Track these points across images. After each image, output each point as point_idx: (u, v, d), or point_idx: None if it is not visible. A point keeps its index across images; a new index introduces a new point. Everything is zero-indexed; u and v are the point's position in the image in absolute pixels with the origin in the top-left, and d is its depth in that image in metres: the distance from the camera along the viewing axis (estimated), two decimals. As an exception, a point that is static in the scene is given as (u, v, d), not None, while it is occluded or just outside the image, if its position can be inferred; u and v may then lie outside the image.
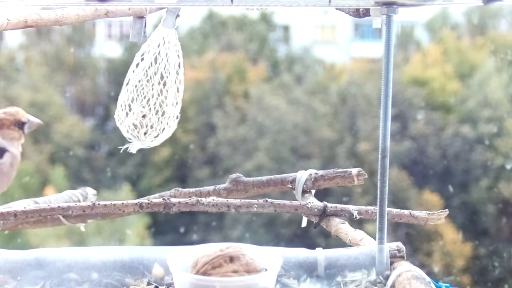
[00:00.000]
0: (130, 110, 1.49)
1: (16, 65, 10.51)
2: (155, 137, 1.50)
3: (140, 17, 1.47)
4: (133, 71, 1.50)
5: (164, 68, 1.48)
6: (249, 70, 10.65)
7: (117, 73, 10.71)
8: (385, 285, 1.18)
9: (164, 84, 1.49)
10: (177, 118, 1.52)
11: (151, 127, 1.49)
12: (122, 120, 1.49)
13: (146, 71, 1.49)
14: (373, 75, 9.99)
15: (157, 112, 1.49)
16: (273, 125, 10.04)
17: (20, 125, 1.76)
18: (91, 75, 10.87)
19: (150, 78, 1.48)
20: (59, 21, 1.34)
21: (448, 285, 1.20)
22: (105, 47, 10.93)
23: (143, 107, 1.49)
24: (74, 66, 10.65)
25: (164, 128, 1.50)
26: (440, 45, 10.59)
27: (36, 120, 1.78)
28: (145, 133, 1.49)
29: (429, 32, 10.95)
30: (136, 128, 1.48)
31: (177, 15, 1.47)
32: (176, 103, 1.51)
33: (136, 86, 1.49)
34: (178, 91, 1.50)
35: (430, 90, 10.09)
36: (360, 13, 1.33)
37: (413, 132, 9.68)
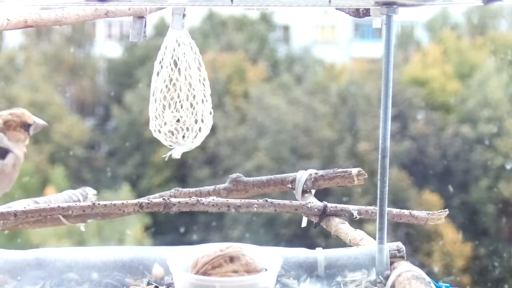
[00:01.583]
0: (163, 118, 1.49)
1: (16, 65, 10.51)
2: (194, 138, 1.51)
3: (140, 17, 1.47)
4: (155, 81, 1.50)
5: (186, 70, 1.49)
6: (249, 70, 10.65)
7: (117, 73, 10.72)
8: (385, 285, 1.18)
9: (190, 84, 1.49)
10: (210, 113, 1.52)
11: (187, 129, 1.49)
12: (158, 129, 1.50)
13: (169, 76, 1.49)
14: (373, 75, 10.00)
15: (190, 114, 1.49)
16: (273, 125, 10.05)
17: (26, 127, 1.76)
18: (91, 75, 10.87)
19: (175, 82, 1.49)
20: (59, 21, 1.34)
21: (448, 285, 1.20)
22: (105, 47, 10.93)
23: (176, 111, 1.49)
24: (74, 66, 10.65)
25: (200, 127, 1.50)
26: (440, 45, 10.59)
27: (42, 122, 1.78)
28: (183, 137, 1.49)
29: (429, 32, 10.95)
30: (173, 135, 1.49)
31: (184, 15, 1.46)
32: (206, 100, 1.51)
33: (162, 94, 1.49)
34: (204, 87, 1.51)
35: (430, 90, 10.09)
36: (360, 13, 1.33)
37: (413, 132, 9.68)
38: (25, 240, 7.60)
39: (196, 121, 1.49)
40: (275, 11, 10.78)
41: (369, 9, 1.26)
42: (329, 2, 1.13)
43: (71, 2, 1.30)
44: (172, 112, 1.49)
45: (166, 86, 1.49)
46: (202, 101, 1.50)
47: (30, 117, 1.76)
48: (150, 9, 1.49)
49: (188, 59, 1.49)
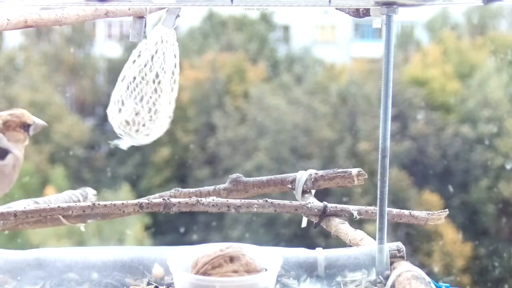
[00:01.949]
0: (123, 106, 1.48)
1: (16, 65, 10.51)
2: (146, 135, 1.50)
3: (140, 17, 1.47)
4: (129, 68, 1.49)
5: (160, 67, 1.48)
6: (249, 70, 10.65)
7: (117, 73, 10.61)
8: (385, 285, 1.18)
9: (159, 83, 1.48)
10: (169, 118, 1.51)
11: (143, 125, 1.48)
12: (115, 115, 1.49)
13: (142, 68, 1.48)
14: (373, 75, 10.00)
15: (150, 110, 1.48)
16: (273, 125, 10.05)
17: (26, 127, 1.76)
18: (91, 75, 10.87)
19: (145, 75, 1.48)
20: (59, 21, 1.34)
21: (448, 285, 1.20)
22: (105, 47, 10.93)
23: (137, 104, 1.48)
24: (74, 66, 10.65)
25: (156, 127, 1.50)
26: (440, 45, 10.59)
27: (41, 122, 1.78)
28: (136, 131, 1.48)
29: (429, 32, 10.95)
30: (128, 125, 1.48)
31: (177, 15, 1.47)
32: (170, 103, 1.50)
33: (130, 83, 1.48)
34: (172, 91, 1.50)
35: (430, 90, 10.09)
36: (360, 13, 1.33)
37: (413, 132, 9.68)
38: (25, 240, 7.60)
39: (153, 121, 1.49)
40: (275, 11, 10.78)
41: (369, 9, 1.26)
42: (329, 2, 1.13)
43: (71, 2, 1.30)
44: (134, 103, 1.48)
45: (136, 77, 1.48)
46: (166, 103, 1.49)
47: (30, 118, 1.76)
48: (150, 9, 1.49)
49: (166, 59, 1.48)
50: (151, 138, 1.51)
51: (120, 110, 1.48)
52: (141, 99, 1.48)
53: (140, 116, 1.48)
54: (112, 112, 1.49)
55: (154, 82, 1.48)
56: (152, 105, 1.48)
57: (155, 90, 1.48)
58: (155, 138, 1.51)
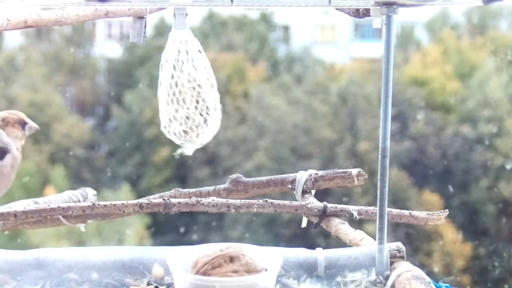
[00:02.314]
0: (174, 119, 1.49)
1: (16, 65, 10.51)
2: (206, 135, 1.51)
3: (140, 17, 1.47)
4: (163, 82, 1.50)
5: (192, 67, 1.49)
6: (249, 70, 10.65)
7: (117, 73, 10.72)
8: (385, 285, 1.18)
9: (196, 82, 1.49)
10: (219, 109, 1.52)
11: (197, 126, 1.49)
12: (170, 130, 1.50)
13: (174, 76, 1.49)
14: (373, 75, 9.99)
15: (199, 110, 1.49)
16: (273, 125, 10.04)
17: (23, 124, 1.78)
18: (91, 75, 10.87)
19: (180, 80, 1.49)
20: (59, 21, 1.34)
21: (448, 285, 1.20)
22: (105, 47, 10.93)
23: (186, 110, 1.49)
24: (74, 66, 10.65)
25: (210, 123, 1.51)
26: (440, 45, 10.59)
27: (35, 125, 1.81)
28: (197, 135, 1.49)
29: (429, 32, 10.95)
30: (187, 134, 1.49)
31: (186, 14, 1.47)
32: (214, 96, 1.51)
33: (170, 95, 1.49)
34: (212, 85, 1.51)
35: (430, 90, 10.09)
36: (360, 13, 1.33)
37: (413, 132, 9.68)
38: (25, 240, 7.60)
39: (205, 120, 1.49)
40: (275, 11, 10.78)
41: (369, 9, 1.26)
42: (329, 2, 1.13)
43: (71, 2, 1.30)
44: (182, 110, 1.49)
45: (172, 87, 1.49)
46: (209, 97, 1.50)
47: (26, 118, 1.79)
48: (150, 9, 1.49)
49: (193, 57, 1.49)
50: (211, 134, 1.52)
51: (172, 123, 1.49)
52: (187, 104, 1.49)
53: (193, 120, 1.48)
54: (167, 128, 1.50)
55: (190, 83, 1.48)
56: (199, 106, 1.49)
57: (195, 89, 1.48)
58: (214, 133, 1.52)
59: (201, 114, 1.49)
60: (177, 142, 1.52)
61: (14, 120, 1.77)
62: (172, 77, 1.49)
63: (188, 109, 1.48)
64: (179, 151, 1.53)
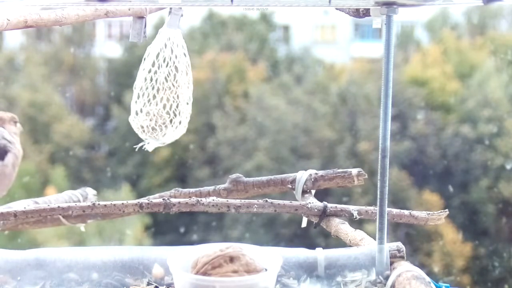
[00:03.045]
0: (143, 112, 1.49)
1: (16, 65, 10.51)
2: (170, 135, 1.51)
3: (140, 17, 1.47)
4: (141, 75, 1.50)
5: (173, 66, 1.49)
6: (249, 70, 10.65)
7: (117, 73, 10.72)
8: (385, 285, 1.18)
9: (174, 82, 1.49)
10: (189, 114, 1.52)
11: (165, 126, 1.49)
12: (137, 122, 1.50)
13: (155, 72, 1.49)
14: (373, 75, 10.00)
15: (169, 110, 1.49)
16: (273, 125, 10.05)
17: (15, 122, 1.81)
18: (91, 75, 10.87)
19: (158, 78, 1.49)
20: (59, 21, 1.34)
21: (448, 285, 1.20)
22: (105, 47, 10.93)
23: (156, 106, 1.49)
24: (74, 66, 10.65)
25: (177, 126, 1.51)
26: (440, 45, 10.59)
27: (20, 127, 1.84)
28: (163, 135, 1.49)
29: (429, 32, 10.95)
30: (153, 130, 1.49)
31: (181, 15, 1.47)
32: (188, 100, 1.51)
33: (146, 89, 1.49)
34: (188, 88, 1.51)
35: (430, 90, 10.09)
36: (360, 13, 1.33)
37: (413, 132, 9.68)
38: (25, 240, 7.60)
39: (172, 121, 1.49)
40: (275, 11, 10.78)
41: (369, 9, 1.26)
42: (329, 2, 1.13)
43: (71, 2, 1.30)
44: (153, 106, 1.49)
45: (149, 81, 1.49)
46: (183, 100, 1.50)
47: (15, 117, 1.82)
48: (150, 9, 1.49)
49: (177, 59, 1.49)
50: (174, 137, 1.52)
51: (140, 116, 1.49)
52: (159, 102, 1.49)
53: (162, 118, 1.48)
54: (134, 121, 1.50)
55: (168, 82, 1.48)
56: (170, 105, 1.49)
57: (171, 90, 1.48)
58: (178, 137, 1.52)
59: (170, 115, 1.49)
60: (141, 136, 1.52)
61: (9, 118, 1.79)
62: (150, 71, 1.49)
63: (157, 105, 1.49)
64: (140, 145, 1.53)
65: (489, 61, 10.14)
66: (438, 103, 10.02)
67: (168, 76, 1.48)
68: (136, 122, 1.50)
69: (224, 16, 10.95)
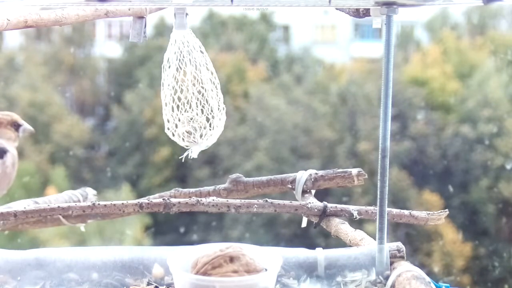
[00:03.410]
0: (178, 120, 1.48)
1: (16, 65, 10.51)
2: (210, 136, 1.50)
3: (140, 17, 1.47)
4: (166, 84, 1.49)
5: (194, 68, 1.48)
6: (248, 70, 10.65)
7: (117, 73, 10.72)
8: (385, 285, 1.18)
9: (198, 83, 1.48)
10: (223, 109, 1.51)
11: (204, 127, 1.49)
12: (174, 132, 1.49)
13: (177, 78, 1.48)
14: (373, 75, 9.99)
15: (202, 111, 1.48)
16: (273, 125, 10.04)
17: (16, 126, 1.78)
18: (91, 75, 10.87)
19: (183, 82, 1.48)
20: (59, 21, 1.34)
21: (448, 285, 1.20)
22: (105, 47, 10.92)
23: (190, 111, 1.48)
24: (74, 66, 10.65)
25: (215, 124, 1.50)
26: (440, 45, 10.59)
27: (29, 127, 1.81)
28: (201, 136, 1.49)
29: (429, 32, 10.95)
30: (190, 134, 1.48)
31: (186, 14, 1.46)
32: (218, 96, 1.50)
33: (173, 95, 1.49)
34: (214, 84, 1.50)
35: (430, 90, 10.09)
36: (360, 13, 1.33)
37: (413, 132, 9.68)
38: (25, 240, 7.60)
39: (207, 119, 1.49)
40: (275, 11, 10.78)
41: (369, 9, 1.26)
42: (329, 2, 1.14)
43: (71, 2, 1.30)
44: (185, 111, 1.48)
45: (174, 87, 1.48)
46: (213, 97, 1.50)
47: (20, 119, 1.78)
48: (150, 9, 1.49)
49: (195, 57, 1.48)
50: (215, 136, 1.51)
51: (176, 125, 1.49)
52: (190, 105, 1.48)
53: (197, 121, 1.48)
54: (170, 130, 1.50)
55: (194, 84, 1.48)
56: (202, 106, 1.48)
57: (199, 91, 1.48)
58: (219, 134, 1.51)
59: (206, 116, 1.48)
60: (181, 144, 1.51)
61: (6, 122, 1.76)
62: (176, 80, 1.48)
63: (191, 111, 1.48)
64: (185, 154, 1.52)
65: (489, 61, 10.13)
66: (438, 103, 10.02)
67: (192, 79, 1.48)
68: (173, 132, 1.50)
69: (224, 16, 10.95)
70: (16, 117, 1.78)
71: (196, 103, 1.48)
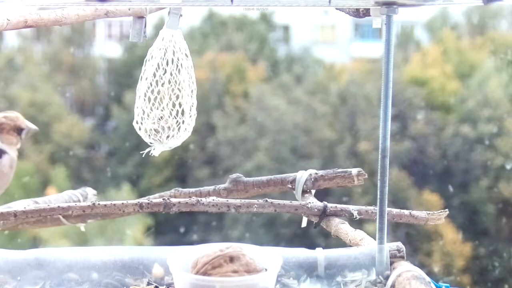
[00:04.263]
0: (146, 116, 1.48)
1: (15, 65, 10.51)
2: (175, 138, 1.50)
3: (140, 17, 1.47)
4: (144, 77, 1.49)
5: (175, 68, 1.48)
6: (248, 70, 10.65)
7: (117, 73, 10.72)
8: (385, 285, 1.18)
9: (177, 84, 1.48)
10: (194, 115, 1.51)
11: (170, 129, 1.48)
12: (141, 126, 1.49)
13: (156, 74, 1.48)
14: (373, 75, 10.00)
15: (173, 112, 1.48)
16: (273, 125, 10.05)
17: (19, 131, 1.77)
18: (91, 75, 10.87)
19: (161, 80, 1.48)
20: (59, 21, 1.34)
21: (448, 285, 1.20)
22: (105, 47, 10.93)
23: (161, 110, 1.48)
24: (74, 66, 10.65)
25: (185, 128, 1.50)
26: (440, 45, 10.59)
27: (33, 127, 1.81)
28: (167, 137, 1.49)
29: (429, 32, 10.95)
30: (157, 132, 1.48)
31: (180, 15, 1.46)
32: (192, 102, 1.50)
33: (149, 91, 1.49)
34: (191, 89, 1.50)
35: (430, 90, 10.09)
36: (360, 13, 1.33)
37: (413, 132, 9.68)
38: (25, 240, 7.60)
39: (177, 122, 1.49)
40: (275, 11, 10.78)
41: (369, 9, 1.26)
42: (329, 2, 1.14)
43: (71, 2, 1.30)
44: (157, 109, 1.48)
45: (152, 84, 1.48)
46: (187, 102, 1.49)
47: (24, 122, 1.78)
48: (150, 9, 1.49)
49: (179, 60, 1.48)
50: (180, 140, 1.51)
51: (144, 120, 1.48)
52: (163, 104, 1.48)
53: (166, 121, 1.48)
54: (138, 124, 1.50)
55: (171, 84, 1.48)
56: (174, 108, 1.48)
57: (173, 91, 1.48)
58: (184, 139, 1.51)
59: (175, 117, 1.48)
60: (146, 140, 1.51)
61: (10, 127, 1.76)
62: (154, 75, 1.48)
63: (163, 110, 1.48)
64: (146, 150, 1.52)
65: (489, 61, 10.14)
66: (438, 103, 10.02)
67: (170, 79, 1.48)
68: (140, 126, 1.50)
69: (224, 16, 10.95)
70: (20, 121, 1.77)
71: (169, 103, 1.48)
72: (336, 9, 1.34)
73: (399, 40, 10.49)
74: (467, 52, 10.43)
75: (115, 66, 10.85)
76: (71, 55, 10.64)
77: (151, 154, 1.51)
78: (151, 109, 1.48)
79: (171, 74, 1.47)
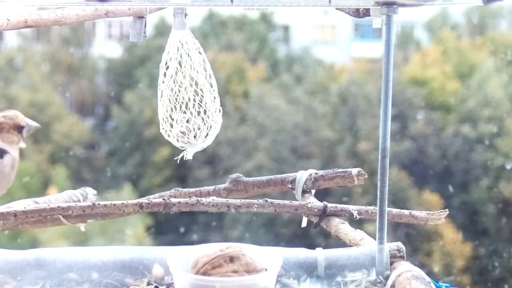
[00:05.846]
0: (172, 120, 1.48)
1: (15, 65, 10.51)
2: (205, 137, 1.50)
3: (140, 17, 1.47)
4: (163, 82, 1.49)
5: (191, 68, 1.48)
6: (248, 70, 10.65)
7: (117, 73, 10.72)
8: (385, 285, 1.18)
9: (196, 84, 1.48)
10: (220, 111, 1.51)
11: (198, 128, 1.48)
12: (169, 132, 1.49)
13: (174, 77, 1.48)
14: (373, 75, 10.00)
15: (198, 112, 1.48)
16: (273, 125, 10.05)
17: (19, 129, 1.77)
18: (91, 75, 10.88)
19: (181, 83, 1.47)
20: (59, 21, 1.34)
21: (448, 285, 1.20)
22: (105, 47, 10.93)
23: (184, 112, 1.48)
24: (74, 66, 10.65)
25: (211, 126, 1.50)
26: (440, 45, 10.59)
27: (34, 124, 1.80)
28: (195, 137, 1.48)
29: (429, 32, 10.95)
30: (185, 135, 1.48)
31: (186, 14, 1.46)
32: (214, 98, 1.50)
33: (170, 96, 1.48)
34: (211, 86, 1.50)
35: (430, 90, 10.09)
36: (360, 13, 1.33)
37: (413, 132, 9.68)
38: (25, 240, 7.60)
39: (203, 120, 1.48)
40: (275, 11, 10.78)
41: (369, 9, 1.26)
42: (329, 2, 1.13)
43: (71, 2, 1.30)
44: (181, 112, 1.48)
45: (172, 88, 1.48)
46: (210, 100, 1.49)
47: (23, 120, 1.77)
48: (150, 9, 1.49)
49: (193, 59, 1.48)
50: (211, 138, 1.50)
51: (171, 125, 1.48)
52: (186, 106, 1.47)
53: (192, 122, 1.47)
54: (165, 130, 1.49)
55: (191, 85, 1.47)
56: (198, 107, 1.48)
57: (195, 92, 1.47)
58: (214, 136, 1.50)
59: (201, 117, 1.48)
60: (176, 144, 1.51)
61: (9, 126, 1.76)
62: (174, 80, 1.48)
63: (185, 112, 1.48)
64: (180, 155, 1.52)
65: (489, 61, 10.14)
66: (438, 103, 10.03)
67: (191, 81, 1.47)
68: (168, 132, 1.49)
69: (224, 16, 10.95)
70: (19, 119, 1.77)
71: (193, 104, 1.47)
72: (336, 9, 1.34)
73: (399, 40, 10.49)
74: (467, 52, 10.43)
75: (115, 66, 10.85)
76: (71, 55, 10.64)
77: (185, 158, 1.50)
78: (176, 114, 1.48)
79: (190, 77, 1.47)
